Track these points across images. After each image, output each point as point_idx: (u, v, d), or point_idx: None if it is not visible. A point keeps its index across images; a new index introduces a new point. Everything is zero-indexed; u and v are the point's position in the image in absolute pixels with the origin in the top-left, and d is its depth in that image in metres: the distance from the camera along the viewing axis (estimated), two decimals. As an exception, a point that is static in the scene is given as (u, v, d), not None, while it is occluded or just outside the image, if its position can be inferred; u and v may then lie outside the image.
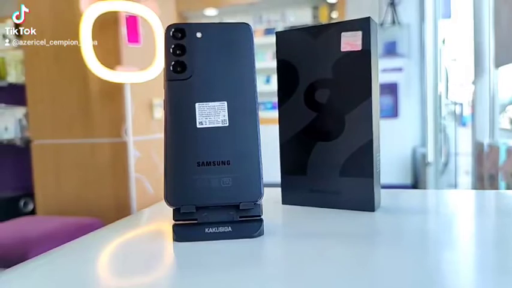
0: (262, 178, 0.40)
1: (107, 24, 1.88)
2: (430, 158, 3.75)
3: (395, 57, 4.26)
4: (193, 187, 0.40)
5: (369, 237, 0.40)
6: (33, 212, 2.25)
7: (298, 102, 0.52)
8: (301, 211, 0.50)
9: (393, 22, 4.39)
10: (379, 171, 0.51)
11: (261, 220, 0.41)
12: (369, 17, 0.47)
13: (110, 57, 1.89)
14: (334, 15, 4.62)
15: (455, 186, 3.29)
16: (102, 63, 1.78)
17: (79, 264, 0.35)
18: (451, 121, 3.63)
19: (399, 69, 4.21)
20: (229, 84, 0.42)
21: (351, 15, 4.56)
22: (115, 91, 1.94)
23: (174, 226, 0.40)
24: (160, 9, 2.02)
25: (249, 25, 0.44)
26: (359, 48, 0.47)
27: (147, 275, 0.32)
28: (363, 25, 0.47)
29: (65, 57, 1.97)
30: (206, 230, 0.40)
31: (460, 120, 3.62)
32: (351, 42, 0.48)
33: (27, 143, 2.31)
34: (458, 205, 0.53)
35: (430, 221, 0.44)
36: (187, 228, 0.40)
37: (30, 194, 2.26)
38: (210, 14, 5.09)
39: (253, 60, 0.43)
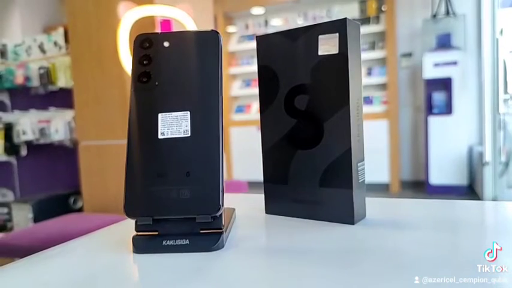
0: (222, 191, 0.39)
1: (143, 28, 1.94)
2: (488, 157, 3.51)
3: (450, 50, 4.02)
4: (151, 199, 0.39)
5: (336, 254, 0.37)
6: (81, 209, 2.39)
7: (279, 108, 0.50)
8: (280, 222, 0.48)
9: (447, 13, 4.15)
10: (363, 181, 0.47)
11: (221, 233, 0.40)
12: (346, 18, 0.44)
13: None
14: (384, 8, 4.45)
15: (514, 187, 3.05)
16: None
17: (33, 277, 0.36)
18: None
19: (454, 63, 3.96)
20: (193, 94, 0.41)
21: (401, 7, 4.37)
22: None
23: (134, 238, 0.40)
24: (198, 12, 2.06)
25: (217, 33, 0.43)
26: (336, 51, 0.45)
27: (84, 289, 0.32)
28: (340, 27, 0.44)
29: (107, 62, 2.06)
30: (164, 242, 0.39)
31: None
32: (327, 45, 0.45)
33: (75, 144, 2.46)
34: (451, 218, 0.49)
35: (409, 239, 0.41)
36: (146, 240, 0.40)
37: (79, 192, 2.39)
38: (257, 12, 5.10)
39: (220, 68, 0.42)
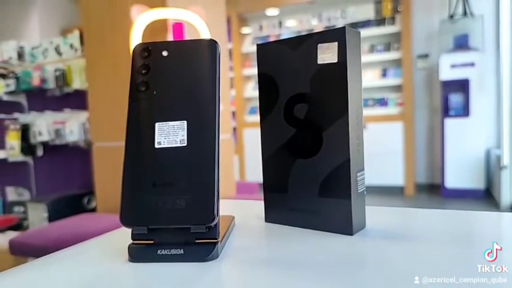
0: (217, 201, 0.39)
1: (156, 31, 1.96)
2: (506, 160, 3.44)
3: (467, 51, 3.96)
4: (146, 208, 0.39)
5: (333, 265, 0.36)
6: (95, 209, 2.42)
7: (279, 117, 0.49)
8: (278, 231, 0.48)
9: (464, 13, 4.08)
10: (363, 191, 0.47)
11: (215, 243, 0.40)
12: (345, 26, 0.44)
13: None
14: (400, 9, 4.39)
15: (532, 192, 2.98)
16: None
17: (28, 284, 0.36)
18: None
19: (471, 64, 3.89)
20: (190, 103, 0.41)
21: (418, 7, 4.31)
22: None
23: (129, 246, 0.40)
24: (211, 14, 2.06)
25: (215, 42, 0.43)
26: (335, 60, 0.44)
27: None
28: (339, 35, 0.44)
29: (121, 64, 2.09)
30: (159, 251, 0.39)
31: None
32: (326, 54, 0.45)
33: (89, 145, 2.50)
34: (454, 229, 0.48)
35: (407, 250, 0.40)
36: (141, 249, 0.40)
37: (92, 192, 2.43)
38: (272, 14, 5.10)
39: (217, 77, 0.42)
